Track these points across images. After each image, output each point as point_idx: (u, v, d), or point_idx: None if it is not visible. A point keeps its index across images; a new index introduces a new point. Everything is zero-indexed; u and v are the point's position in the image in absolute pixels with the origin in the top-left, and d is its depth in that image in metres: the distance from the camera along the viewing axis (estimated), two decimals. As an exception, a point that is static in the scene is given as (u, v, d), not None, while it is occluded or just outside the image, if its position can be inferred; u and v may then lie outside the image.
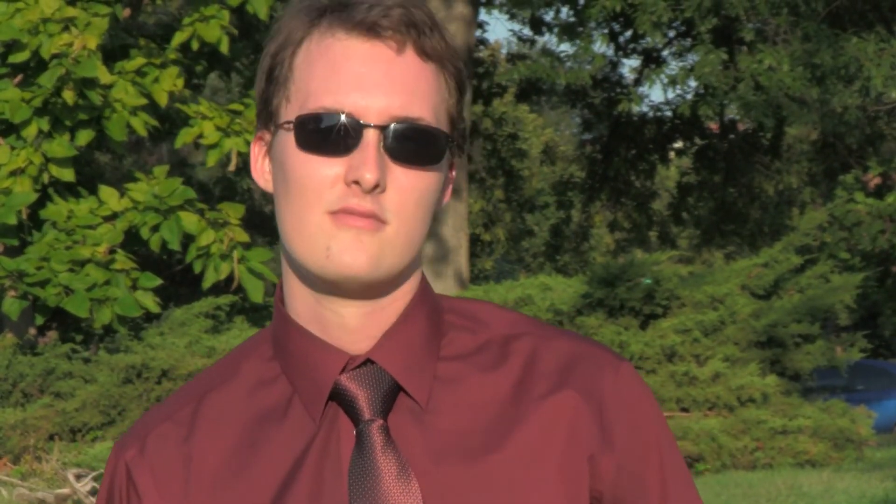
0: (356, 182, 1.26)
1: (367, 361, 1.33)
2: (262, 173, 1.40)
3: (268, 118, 1.36)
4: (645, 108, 28.20)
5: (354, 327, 1.33)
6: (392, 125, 1.29)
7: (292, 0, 1.48)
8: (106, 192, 13.72)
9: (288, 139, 1.32)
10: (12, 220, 13.23)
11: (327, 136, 1.30)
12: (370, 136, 1.28)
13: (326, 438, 1.33)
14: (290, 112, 1.32)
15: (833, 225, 15.39)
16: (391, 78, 1.32)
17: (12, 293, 13.53)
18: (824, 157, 19.23)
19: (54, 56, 13.00)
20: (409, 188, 1.31)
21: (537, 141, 36.93)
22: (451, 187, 1.45)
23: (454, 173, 1.45)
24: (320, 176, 1.29)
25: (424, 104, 1.33)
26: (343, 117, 1.29)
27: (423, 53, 1.33)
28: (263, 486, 1.33)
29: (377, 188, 1.27)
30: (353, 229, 1.27)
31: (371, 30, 1.31)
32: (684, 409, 16.46)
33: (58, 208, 13.72)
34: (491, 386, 1.36)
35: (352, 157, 1.27)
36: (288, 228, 1.34)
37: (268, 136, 1.37)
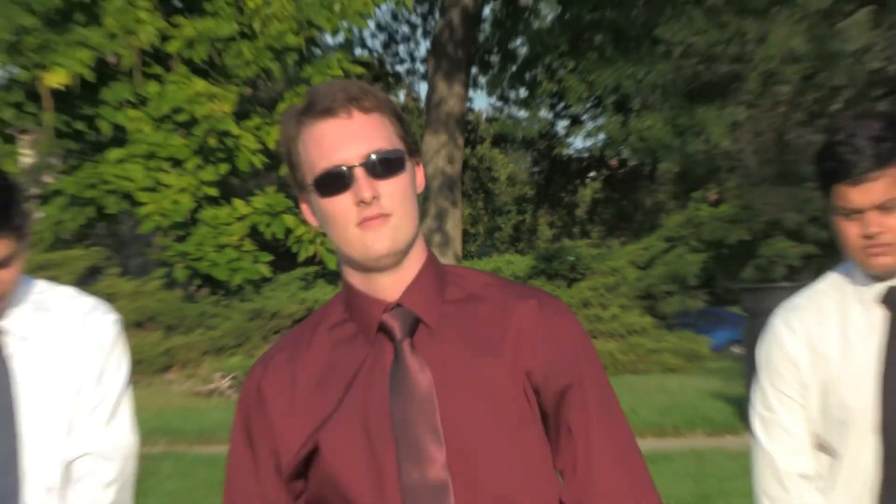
0: (362, 201, 1.26)
1: (397, 305, 1.33)
2: (312, 219, 1.37)
3: (299, 187, 1.35)
4: (571, 152, 29.93)
5: (388, 286, 1.33)
6: (367, 160, 1.27)
7: (286, 110, 1.43)
8: (238, 202, 14.11)
9: (315, 195, 1.31)
10: (180, 220, 13.68)
11: (335, 182, 1.29)
12: (358, 172, 1.27)
13: (376, 354, 1.33)
14: (308, 179, 1.31)
15: (687, 224, 16.34)
16: (352, 133, 1.30)
17: (180, 266, 13.99)
18: (682, 182, 19.27)
19: (204, 117, 13.26)
20: (394, 190, 1.30)
21: (504, 171, 37.98)
22: (421, 175, 1.40)
23: (420, 166, 1.39)
24: (342, 208, 1.29)
25: (379, 138, 1.30)
26: (338, 168, 1.27)
27: (364, 110, 1.31)
28: (339, 386, 1.35)
29: (375, 199, 1.26)
30: (372, 229, 1.28)
31: (328, 112, 1.31)
32: (594, 337, 15.48)
33: (208, 212, 14.04)
34: (473, 317, 1.37)
35: (353, 188, 1.27)
36: (338, 241, 1.32)
37: (304, 197, 1.35)
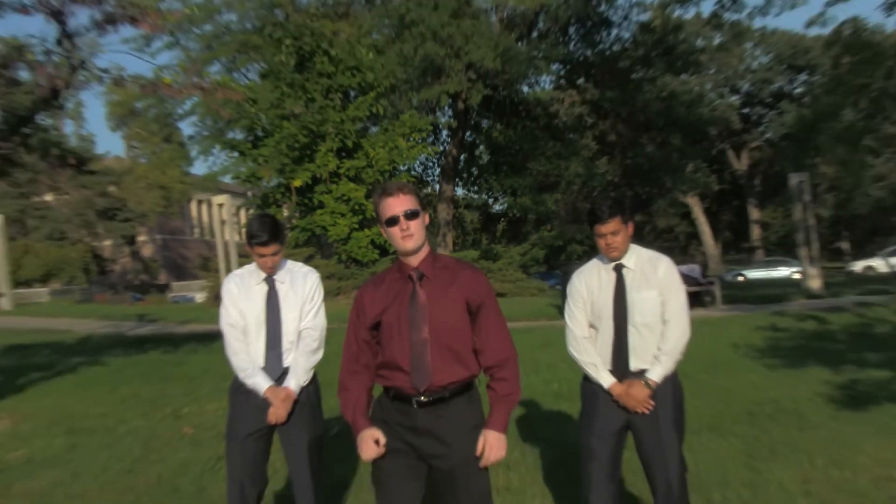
0: (402, 229, 2.47)
1: (417, 269, 2.51)
2: (384, 234, 2.58)
3: (379, 222, 2.56)
4: (495, 210, 38.16)
5: (412, 262, 2.52)
6: (405, 212, 2.49)
7: (376, 189, 2.50)
8: (367, 230, 21.77)
9: (384, 226, 2.53)
10: (343, 236, 20.86)
11: (393, 222, 2.50)
12: (402, 218, 2.48)
13: (407, 287, 2.55)
14: (383, 218, 2.55)
15: (538, 240, 28.36)
16: (401, 202, 2.50)
17: (343, 254, 20.89)
18: (537, 222, 32.20)
19: (354, 197, 22.25)
20: (414, 225, 2.48)
21: (469, 218, 43.10)
22: (426, 218, 2.56)
23: (426, 215, 2.56)
24: (395, 231, 2.50)
25: (411, 203, 2.48)
26: (395, 216, 2.48)
27: (404, 193, 2.48)
28: (391, 297, 2.53)
29: (408, 229, 2.47)
30: (407, 239, 2.51)
31: (392, 194, 2.48)
32: (497, 283, 22.52)
33: (357, 233, 20.72)
34: (445, 274, 2.53)
35: (399, 224, 2.50)
36: (396, 245, 2.52)
37: (381, 226, 2.51)
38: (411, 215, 2.58)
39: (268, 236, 3.43)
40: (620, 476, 3.41)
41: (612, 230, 3.26)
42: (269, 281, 3.57)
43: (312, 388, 3.60)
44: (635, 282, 3.31)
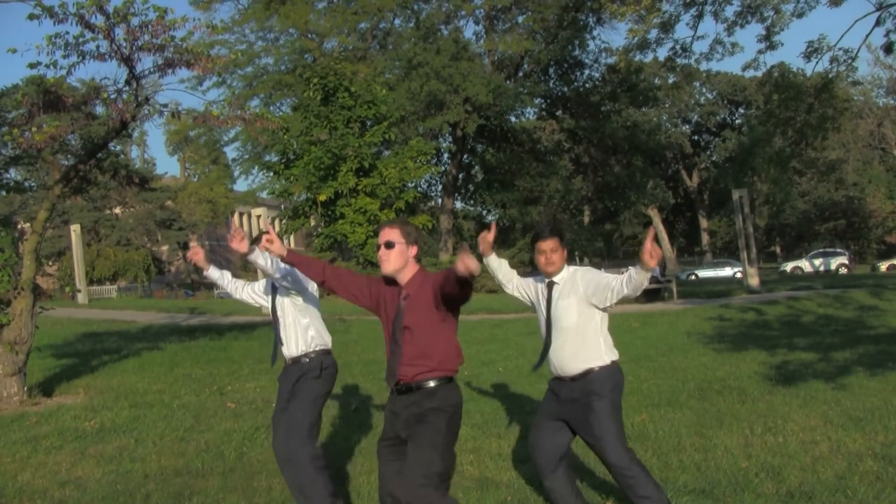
0: (382, 256, 2.62)
1: (403, 289, 2.62)
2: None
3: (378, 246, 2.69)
4: (490, 219, 38.89)
5: (400, 283, 2.61)
6: (385, 242, 2.62)
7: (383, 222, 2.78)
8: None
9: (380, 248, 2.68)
10: (361, 242, 21.06)
11: (380, 248, 2.66)
12: (382, 246, 2.62)
13: (399, 298, 2.64)
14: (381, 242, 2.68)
15: (524, 245, 27.19)
16: (386, 234, 2.62)
17: (360, 257, 21.41)
18: (525, 231, 31.30)
19: (370, 209, 22.38)
20: (391, 253, 2.61)
21: (465, 226, 42.46)
22: (415, 249, 2.64)
23: (415, 247, 2.66)
24: (380, 254, 2.64)
25: (393, 236, 2.60)
26: (378, 244, 2.66)
27: (393, 227, 2.58)
28: (387, 298, 2.65)
29: (386, 256, 2.61)
30: (384, 263, 2.63)
31: (384, 227, 2.62)
32: (492, 292, 20.04)
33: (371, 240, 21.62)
34: (423, 282, 2.63)
35: (380, 250, 2.65)
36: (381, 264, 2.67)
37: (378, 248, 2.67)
38: (388, 245, 2.70)
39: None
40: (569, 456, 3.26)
41: (552, 247, 3.16)
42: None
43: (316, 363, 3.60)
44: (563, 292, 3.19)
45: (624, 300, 3.30)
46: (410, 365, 2.61)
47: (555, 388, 3.24)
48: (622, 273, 3.14)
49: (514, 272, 3.38)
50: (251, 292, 3.89)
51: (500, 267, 3.35)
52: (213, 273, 3.83)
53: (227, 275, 3.90)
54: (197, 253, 3.60)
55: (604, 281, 3.14)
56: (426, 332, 2.62)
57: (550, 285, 3.20)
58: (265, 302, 3.79)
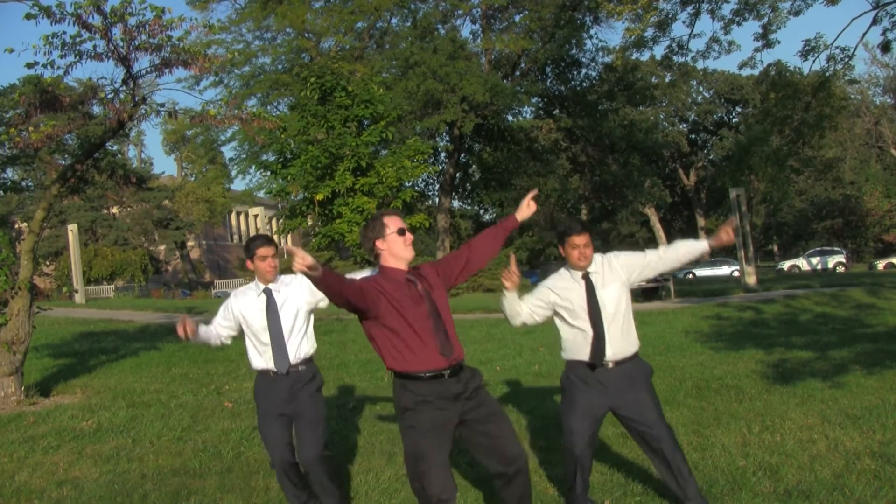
0: (409, 241, 2.59)
1: (409, 273, 2.58)
2: (381, 244, 2.60)
3: (380, 236, 2.58)
4: (486, 219, 38.27)
5: (402, 269, 2.58)
6: (407, 229, 2.60)
7: (381, 211, 2.55)
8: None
9: (395, 235, 2.59)
10: (357, 242, 18.51)
11: (403, 232, 2.61)
12: (406, 232, 2.59)
13: (413, 286, 2.59)
14: (390, 230, 2.58)
15: (521, 245, 26.97)
16: (400, 221, 2.53)
17: (358, 255, 19.76)
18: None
19: (367, 208, 19.57)
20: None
21: (463, 226, 42.06)
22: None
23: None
24: (408, 238, 2.59)
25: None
26: (403, 229, 2.61)
27: (399, 214, 2.44)
28: (395, 298, 2.49)
29: (411, 238, 2.59)
30: (412, 248, 2.62)
31: (392, 214, 2.55)
32: (490, 290, 22.43)
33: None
34: (433, 270, 2.67)
35: (406, 235, 2.61)
36: (397, 252, 2.59)
37: (382, 238, 2.55)
38: (409, 231, 2.73)
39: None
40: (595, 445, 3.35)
41: (586, 242, 3.24)
42: (267, 291, 3.50)
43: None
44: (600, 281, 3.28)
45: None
46: (459, 345, 2.72)
47: (600, 377, 3.23)
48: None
49: (519, 301, 3.38)
50: (226, 331, 3.72)
51: (513, 301, 3.36)
52: (201, 336, 3.66)
53: (210, 330, 3.71)
54: (188, 326, 3.43)
55: (640, 260, 3.35)
56: (449, 316, 2.74)
57: (587, 276, 3.28)
58: (234, 333, 3.69)
